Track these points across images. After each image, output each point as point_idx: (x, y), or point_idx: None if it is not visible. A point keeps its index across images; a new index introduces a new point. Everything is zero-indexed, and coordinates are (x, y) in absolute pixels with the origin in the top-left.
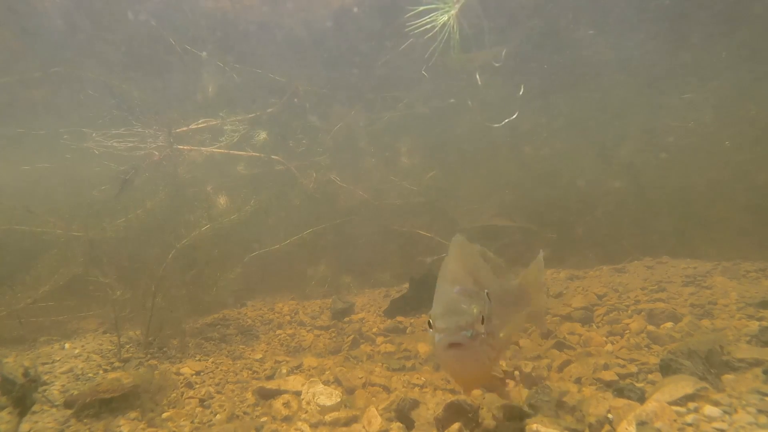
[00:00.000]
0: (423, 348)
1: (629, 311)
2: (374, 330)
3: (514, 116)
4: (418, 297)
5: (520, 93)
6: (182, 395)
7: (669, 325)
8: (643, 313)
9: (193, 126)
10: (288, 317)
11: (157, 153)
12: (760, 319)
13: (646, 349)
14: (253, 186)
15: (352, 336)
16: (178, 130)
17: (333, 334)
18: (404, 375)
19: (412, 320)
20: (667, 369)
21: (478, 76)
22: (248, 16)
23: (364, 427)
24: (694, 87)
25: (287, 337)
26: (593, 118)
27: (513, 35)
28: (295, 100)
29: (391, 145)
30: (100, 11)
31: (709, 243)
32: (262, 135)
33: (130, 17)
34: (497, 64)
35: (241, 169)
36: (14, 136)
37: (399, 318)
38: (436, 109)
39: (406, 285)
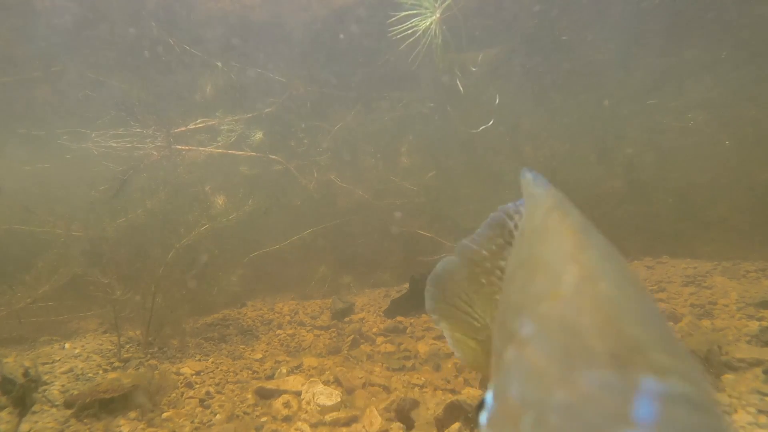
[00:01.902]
0: (423, 348)
1: None
2: (374, 330)
3: (490, 123)
4: (418, 297)
5: (497, 102)
6: (182, 395)
7: (669, 325)
8: None
9: (191, 126)
10: (288, 317)
11: (155, 153)
12: (760, 319)
13: None
14: (253, 186)
15: (352, 336)
16: (176, 130)
17: (333, 334)
18: (404, 375)
19: (412, 320)
20: None
21: (458, 82)
22: (248, 16)
23: (364, 427)
24: (694, 87)
25: (287, 337)
26: (593, 118)
27: (508, 37)
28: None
29: (391, 145)
30: (100, 11)
31: (709, 243)
32: (258, 135)
33: (130, 17)
34: (474, 69)
35: (244, 169)
36: (14, 136)
37: (399, 318)
38: (436, 109)
39: (406, 285)
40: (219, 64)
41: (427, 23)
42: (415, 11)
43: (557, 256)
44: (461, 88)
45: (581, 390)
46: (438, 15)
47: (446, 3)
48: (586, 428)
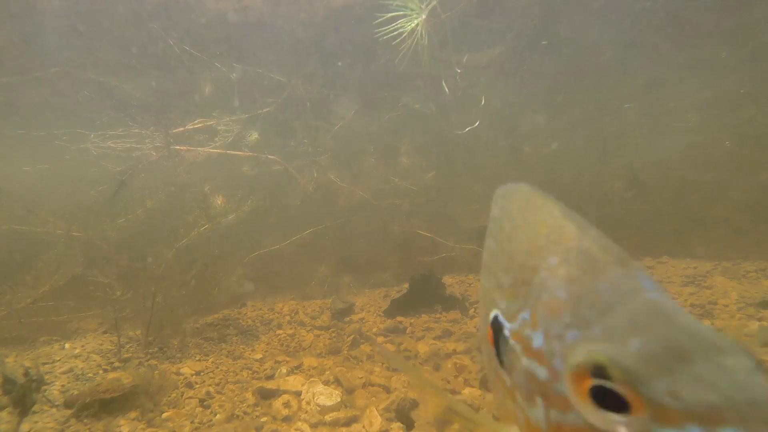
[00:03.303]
0: (423, 348)
1: None
2: (374, 330)
3: (476, 125)
4: (418, 297)
5: (482, 104)
6: (182, 395)
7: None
8: None
9: (189, 126)
10: (288, 317)
11: (154, 153)
12: (760, 319)
13: None
14: (253, 186)
15: (352, 336)
16: (175, 131)
17: (333, 334)
18: (404, 375)
19: (412, 320)
20: None
21: (444, 83)
22: (248, 16)
23: (364, 427)
24: (695, 87)
25: (287, 337)
26: (593, 119)
27: (506, 38)
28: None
29: (391, 145)
30: (100, 11)
31: (709, 243)
32: (254, 135)
33: (129, 18)
34: (459, 70)
35: (245, 169)
36: (14, 136)
37: (399, 318)
38: (436, 109)
39: (406, 285)
40: (218, 64)
41: (413, 24)
42: (401, 13)
43: (553, 218)
44: (446, 89)
45: (611, 279)
46: (424, 17)
47: (432, 5)
48: (625, 296)
